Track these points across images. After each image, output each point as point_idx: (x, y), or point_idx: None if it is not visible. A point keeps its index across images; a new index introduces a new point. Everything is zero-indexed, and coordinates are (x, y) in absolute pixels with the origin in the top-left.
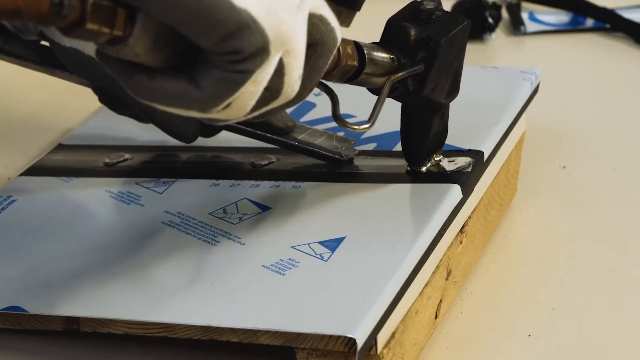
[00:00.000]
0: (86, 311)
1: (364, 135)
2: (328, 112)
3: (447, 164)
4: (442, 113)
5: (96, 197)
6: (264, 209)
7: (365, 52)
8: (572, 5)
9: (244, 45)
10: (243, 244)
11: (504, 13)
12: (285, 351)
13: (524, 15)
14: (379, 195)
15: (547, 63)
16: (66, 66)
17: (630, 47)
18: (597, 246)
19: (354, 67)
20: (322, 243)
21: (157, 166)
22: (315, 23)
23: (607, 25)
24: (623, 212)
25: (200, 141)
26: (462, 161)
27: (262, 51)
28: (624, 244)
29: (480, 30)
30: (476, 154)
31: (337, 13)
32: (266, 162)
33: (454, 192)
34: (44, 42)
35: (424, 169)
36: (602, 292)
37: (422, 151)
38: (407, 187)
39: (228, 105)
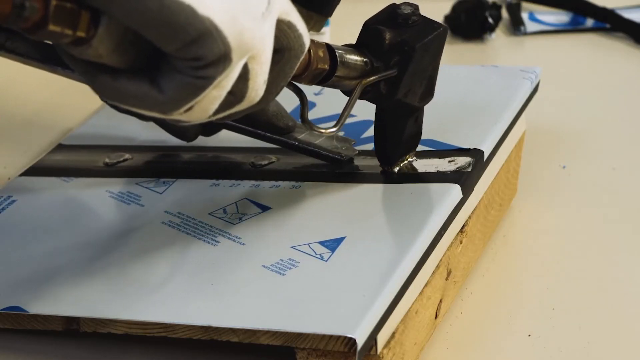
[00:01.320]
0: (86, 311)
1: (365, 135)
2: (329, 112)
3: (427, 164)
4: (416, 116)
5: (96, 197)
6: (264, 209)
7: (337, 55)
8: (572, 5)
9: (206, 52)
10: (243, 244)
11: (504, 13)
12: (285, 351)
13: (524, 15)
14: (379, 195)
15: (547, 63)
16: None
17: (630, 47)
18: (597, 246)
19: (324, 70)
20: (322, 243)
21: (157, 166)
22: (283, 29)
23: (607, 25)
24: (623, 212)
25: (201, 141)
26: (461, 161)
27: (224, 58)
28: (624, 244)
29: (480, 30)
30: (476, 154)
31: (308, 18)
32: (266, 162)
33: (454, 191)
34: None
35: (396, 169)
36: (602, 292)
37: (396, 153)
38: (407, 187)
39: (190, 108)
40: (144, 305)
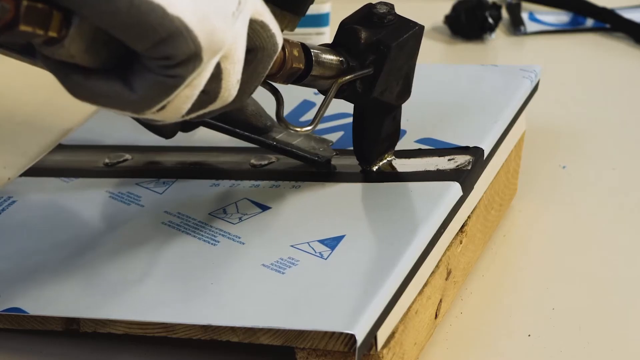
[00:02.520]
0: (86, 312)
1: None
2: (329, 111)
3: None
4: (394, 115)
5: (96, 198)
6: (263, 208)
7: (312, 54)
8: (572, 5)
9: (176, 51)
10: (243, 243)
11: (504, 13)
12: (285, 351)
13: (524, 15)
14: (379, 193)
15: (547, 63)
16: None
17: (630, 47)
18: (597, 246)
19: (299, 69)
20: (321, 241)
21: (157, 166)
22: (256, 29)
23: (607, 25)
24: (623, 212)
25: (201, 141)
26: (461, 159)
27: (194, 58)
28: (624, 244)
29: (480, 30)
30: (476, 152)
31: (282, 18)
32: (266, 162)
33: (454, 189)
34: None
35: (374, 168)
36: (602, 292)
37: (374, 151)
38: (407, 185)
39: (163, 108)
40: (144, 305)
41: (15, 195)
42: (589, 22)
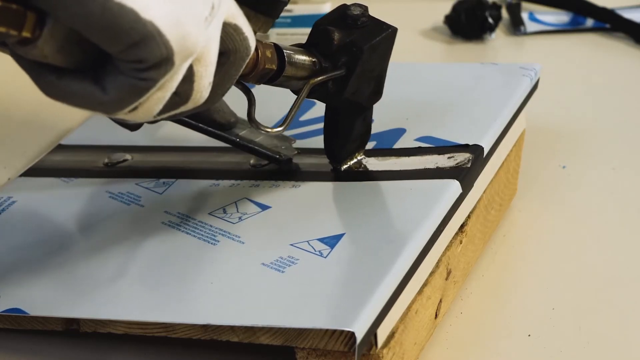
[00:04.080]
0: (86, 312)
1: None
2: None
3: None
4: (365, 115)
5: (96, 198)
6: (263, 208)
7: (285, 55)
8: (572, 5)
9: (148, 55)
10: (243, 242)
11: (504, 13)
12: (285, 351)
13: (524, 15)
14: (378, 192)
15: (547, 63)
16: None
17: (630, 47)
18: (597, 246)
19: (272, 70)
20: (321, 240)
21: (157, 166)
22: (229, 32)
23: (607, 25)
24: (623, 212)
25: (201, 141)
26: (461, 157)
27: (166, 61)
28: (623, 244)
29: (480, 30)
30: (475, 149)
31: (256, 20)
32: (266, 162)
33: (453, 187)
34: None
35: (344, 167)
36: (602, 292)
37: (344, 151)
38: (406, 183)
39: (135, 109)
40: (143, 305)
41: (15, 195)
42: (589, 22)
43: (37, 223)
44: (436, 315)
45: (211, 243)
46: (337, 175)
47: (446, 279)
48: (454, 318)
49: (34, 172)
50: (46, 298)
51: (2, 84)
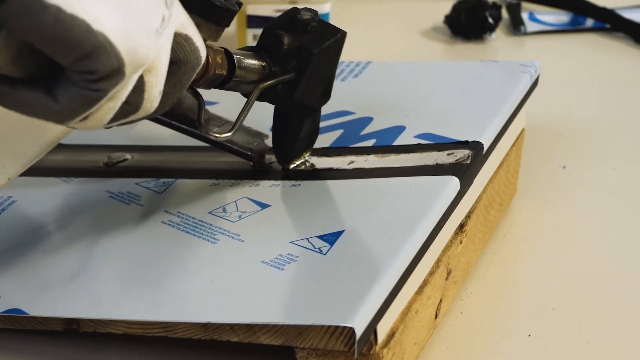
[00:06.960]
0: (86, 312)
1: (363, 132)
2: (329, 111)
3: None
4: (314, 116)
5: (96, 197)
6: (263, 206)
7: (235, 60)
8: (572, 5)
9: (99, 66)
10: (242, 241)
11: (504, 13)
12: (286, 351)
13: (524, 15)
14: (378, 188)
15: (547, 63)
16: None
17: (630, 47)
18: (597, 246)
19: (222, 75)
20: (321, 237)
21: (157, 166)
22: (180, 42)
23: (607, 25)
24: (623, 212)
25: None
26: (460, 153)
27: (116, 72)
28: (623, 244)
29: (480, 30)
30: (475, 146)
31: (206, 28)
32: (267, 162)
33: (452, 184)
34: None
35: (292, 166)
36: (602, 292)
37: (292, 150)
38: (406, 180)
39: (86, 118)
40: (143, 304)
41: (15, 194)
42: (589, 22)
43: (37, 223)
44: (436, 315)
45: (211, 242)
46: (337, 174)
47: (446, 279)
48: (454, 318)
49: (34, 171)
50: (46, 298)
51: None
